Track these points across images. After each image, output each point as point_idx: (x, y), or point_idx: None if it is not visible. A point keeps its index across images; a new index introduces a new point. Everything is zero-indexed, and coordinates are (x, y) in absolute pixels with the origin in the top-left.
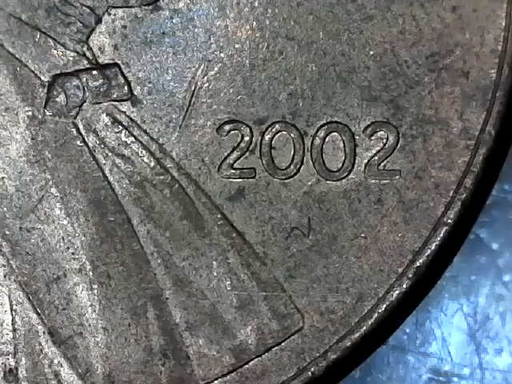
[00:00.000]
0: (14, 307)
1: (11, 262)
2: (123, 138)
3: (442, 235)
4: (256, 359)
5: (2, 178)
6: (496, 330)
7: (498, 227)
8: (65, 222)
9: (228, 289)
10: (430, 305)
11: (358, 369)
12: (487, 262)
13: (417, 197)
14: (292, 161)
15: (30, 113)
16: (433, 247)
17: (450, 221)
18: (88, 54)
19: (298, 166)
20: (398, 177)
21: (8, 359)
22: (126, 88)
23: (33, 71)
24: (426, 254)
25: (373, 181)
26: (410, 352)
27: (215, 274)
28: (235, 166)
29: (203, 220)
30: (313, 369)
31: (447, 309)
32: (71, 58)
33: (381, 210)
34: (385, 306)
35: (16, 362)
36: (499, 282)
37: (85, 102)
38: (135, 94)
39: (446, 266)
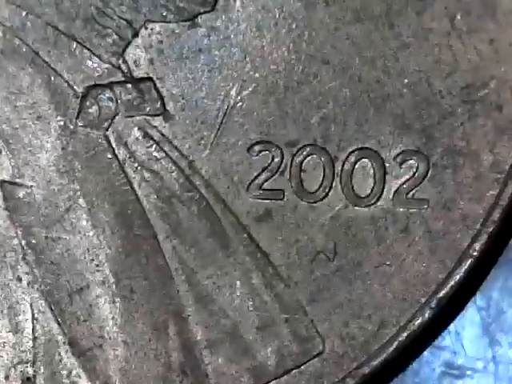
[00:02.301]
0: (36, 316)
1: (35, 270)
2: (154, 153)
3: (466, 267)
4: (274, 381)
5: (31, 186)
6: (509, 324)
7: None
8: (91, 233)
9: (250, 309)
10: None
11: None
12: (500, 256)
13: (444, 227)
14: (321, 185)
15: (61, 123)
16: (457, 279)
17: (475, 253)
18: (123, 66)
19: (326, 190)
20: (426, 206)
21: (27, 367)
22: (159, 103)
23: (67, 81)
24: (450, 285)
25: (401, 209)
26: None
27: (238, 294)
28: (264, 186)
29: (229, 239)
30: None
31: None
32: (106, 70)
33: (407, 238)
34: (406, 334)
35: (34, 370)
36: None
37: (117, 114)
38: (168, 109)
39: (470, 296)
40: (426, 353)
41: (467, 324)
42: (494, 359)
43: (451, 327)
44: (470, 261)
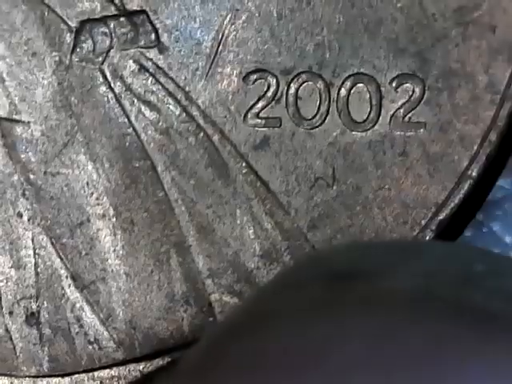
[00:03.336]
0: (37, 251)
1: (35, 206)
2: (149, 85)
3: (465, 189)
4: None
5: (28, 122)
6: None
7: (511, 220)
8: (89, 167)
9: (251, 237)
10: None
11: None
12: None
13: (441, 150)
14: (318, 111)
15: (56, 58)
16: (456, 200)
17: (474, 174)
18: (116, 0)
19: (323, 117)
20: (422, 129)
21: (30, 303)
22: (153, 35)
23: (61, 17)
24: (450, 207)
25: (398, 133)
26: None
27: (238, 223)
28: (261, 115)
29: (228, 168)
30: None
31: None
32: (99, 5)
33: (405, 162)
34: None
35: (38, 305)
36: None
37: (112, 48)
38: (162, 41)
39: (469, 220)
40: None
41: None
42: None
43: None
44: (468, 182)
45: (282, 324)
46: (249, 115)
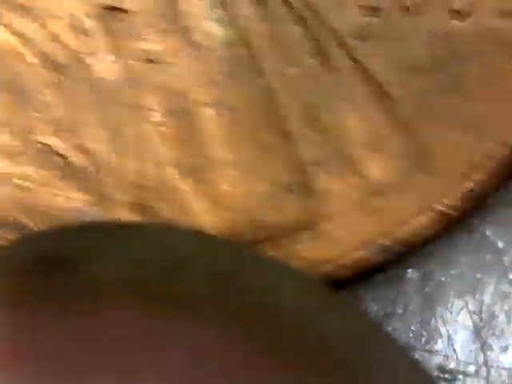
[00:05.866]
0: (140, 139)
1: (138, 94)
2: None
3: None
4: (381, 196)
5: (131, 10)
6: (501, 328)
7: (503, 225)
8: (192, 55)
9: (355, 125)
10: (436, 302)
11: None
12: (492, 260)
13: None
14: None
15: None
16: None
17: None
18: None
19: (426, 5)
20: None
21: (134, 190)
22: None
23: None
24: None
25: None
26: (416, 350)
27: (342, 111)
28: (363, 3)
29: (331, 57)
30: (440, 207)
31: (452, 306)
32: None
33: (507, 51)
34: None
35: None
36: (505, 280)
37: None
38: None
39: None
40: (417, 356)
41: (459, 328)
42: (486, 363)
43: (443, 331)
44: None
45: None
46: (351, 4)
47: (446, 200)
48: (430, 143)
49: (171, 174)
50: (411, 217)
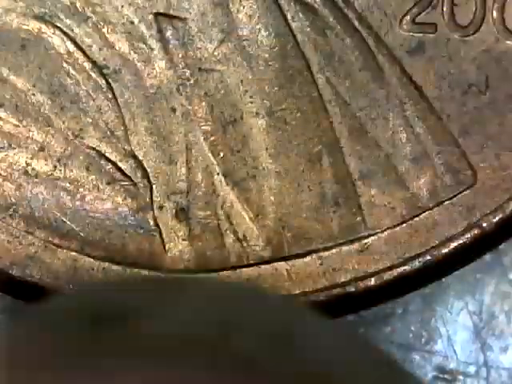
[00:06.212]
0: (189, 147)
1: (189, 102)
2: None
3: None
4: (427, 212)
5: (185, 18)
6: (501, 328)
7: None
8: (244, 65)
9: (403, 141)
10: (435, 303)
11: None
12: (492, 260)
13: None
14: (473, 19)
15: None
16: None
17: None
18: None
19: (478, 24)
20: None
21: (180, 198)
22: None
23: None
24: None
25: None
26: (416, 350)
27: (391, 126)
28: (416, 20)
29: (382, 71)
30: (484, 224)
31: (452, 307)
32: None
33: None
34: None
35: (188, 201)
36: (505, 280)
37: None
38: None
39: None
40: (417, 357)
41: (459, 328)
42: (486, 364)
43: (443, 332)
44: None
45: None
46: (404, 20)
47: (491, 217)
48: (478, 161)
49: (219, 182)
50: (458, 233)
